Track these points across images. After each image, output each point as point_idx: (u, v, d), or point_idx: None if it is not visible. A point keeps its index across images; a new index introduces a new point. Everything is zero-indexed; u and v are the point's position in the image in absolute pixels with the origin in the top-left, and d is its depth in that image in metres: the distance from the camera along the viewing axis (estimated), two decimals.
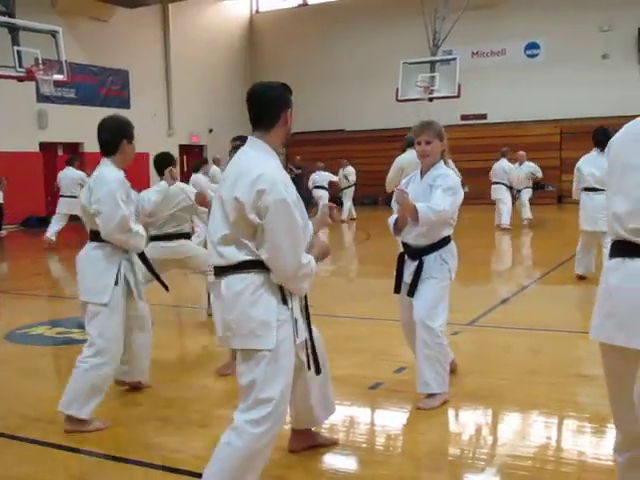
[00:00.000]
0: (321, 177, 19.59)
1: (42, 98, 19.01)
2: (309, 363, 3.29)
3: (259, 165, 3.02)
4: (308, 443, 3.88)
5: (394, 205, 4.71)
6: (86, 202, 4.42)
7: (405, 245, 4.71)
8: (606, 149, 2.65)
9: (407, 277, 4.63)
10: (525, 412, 4.48)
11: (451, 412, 4.54)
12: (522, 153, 16.72)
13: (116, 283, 4.38)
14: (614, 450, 2.73)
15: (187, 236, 6.58)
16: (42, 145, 20.20)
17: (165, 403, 4.83)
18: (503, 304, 7.93)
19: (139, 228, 4.54)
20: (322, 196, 19.25)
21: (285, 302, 3.08)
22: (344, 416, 4.52)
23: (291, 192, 3.03)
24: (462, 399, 4.68)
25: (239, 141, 7.34)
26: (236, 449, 3.01)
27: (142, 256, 4.75)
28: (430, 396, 4.53)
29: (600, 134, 8.30)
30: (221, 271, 3.10)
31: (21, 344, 6.67)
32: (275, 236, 2.96)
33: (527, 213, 16.31)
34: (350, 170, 20.19)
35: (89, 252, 4.48)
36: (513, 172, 15.72)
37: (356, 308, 7.84)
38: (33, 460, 3.95)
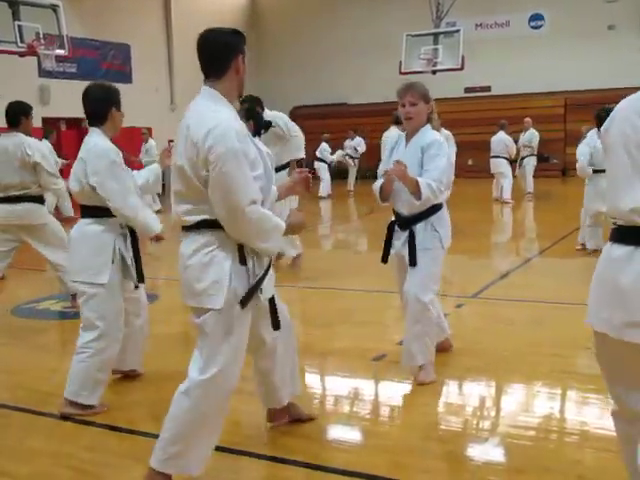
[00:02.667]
0: (320, 149, 19.60)
1: (44, 73, 18.87)
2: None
3: (214, 116, 2.90)
4: (284, 418, 3.82)
5: (380, 172, 4.52)
6: (81, 175, 4.08)
7: (395, 213, 4.57)
8: (604, 127, 2.40)
9: (399, 247, 4.48)
10: (528, 384, 4.51)
11: (454, 384, 4.58)
12: (528, 119, 16.69)
13: (112, 261, 4.07)
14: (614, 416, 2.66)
15: None
16: (45, 120, 20.12)
17: (165, 377, 4.87)
18: (506, 277, 7.95)
19: (147, 205, 4.29)
20: (319, 167, 19.27)
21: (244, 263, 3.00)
22: (348, 388, 4.57)
23: (244, 143, 2.91)
24: (465, 371, 4.72)
25: (247, 103, 7.13)
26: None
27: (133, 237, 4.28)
28: (421, 368, 4.48)
29: (602, 117, 8.17)
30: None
31: (27, 318, 6.72)
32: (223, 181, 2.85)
33: (530, 186, 16.20)
34: (358, 141, 20.12)
35: (83, 228, 4.17)
36: (513, 145, 15.56)
37: (360, 281, 7.86)
38: (43, 432, 4.01)
